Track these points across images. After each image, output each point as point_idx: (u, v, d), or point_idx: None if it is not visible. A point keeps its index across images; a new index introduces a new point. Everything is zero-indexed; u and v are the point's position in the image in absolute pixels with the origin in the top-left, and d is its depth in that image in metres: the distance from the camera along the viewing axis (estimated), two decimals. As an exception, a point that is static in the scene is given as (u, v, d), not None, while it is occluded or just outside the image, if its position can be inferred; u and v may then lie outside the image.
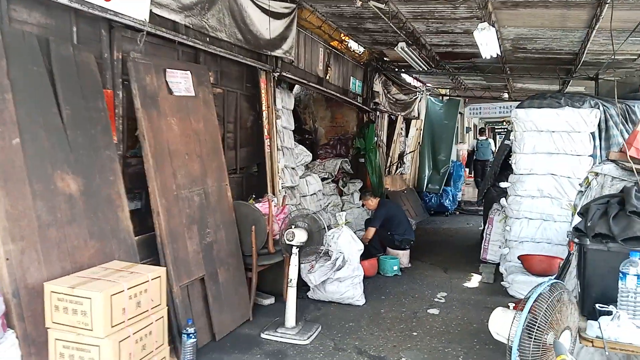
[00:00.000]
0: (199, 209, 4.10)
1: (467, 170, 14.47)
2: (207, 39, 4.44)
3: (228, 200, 4.51)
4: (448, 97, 13.53)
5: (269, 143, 5.56)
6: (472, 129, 18.59)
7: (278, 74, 5.67)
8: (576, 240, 2.48)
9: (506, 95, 13.77)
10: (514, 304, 2.25)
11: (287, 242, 4.25)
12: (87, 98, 3.30)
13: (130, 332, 2.75)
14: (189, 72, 4.22)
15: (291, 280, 4.26)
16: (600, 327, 2.14)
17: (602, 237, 2.38)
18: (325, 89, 7.27)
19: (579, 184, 4.82)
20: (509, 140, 6.41)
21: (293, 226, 4.32)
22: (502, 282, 5.65)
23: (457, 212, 11.75)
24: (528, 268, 5.37)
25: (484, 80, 11.24)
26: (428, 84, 12.27)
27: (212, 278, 4.10)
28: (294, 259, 4.29)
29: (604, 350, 2.52)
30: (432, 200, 11.44)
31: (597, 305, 2.25)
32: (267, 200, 4.91)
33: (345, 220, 5.45)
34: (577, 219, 3.45)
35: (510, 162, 6.13)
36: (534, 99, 5.95)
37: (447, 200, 11.49)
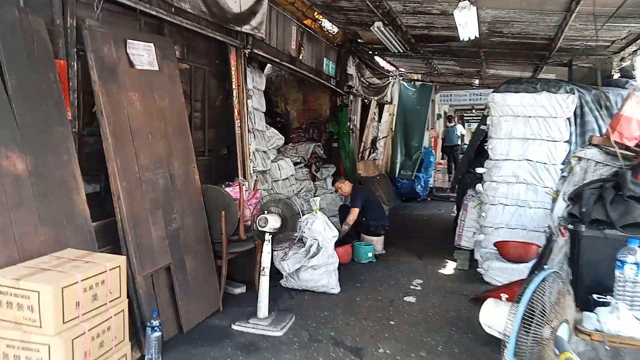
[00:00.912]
0: (164, 192, 3.81)
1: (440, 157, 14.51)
2: (172, 10, 4.10)
3: (196, 183, 4.22)
4: (420, 82, 13.43)
5: (239, 124, 5.25)
6: (443, 115, 18.65)
7: (249, 50, 5.35)
8: (570, 226, 2.33)
9: (477, 82, 13.76)
10: (507, 295, 2.09)
11: (260, 228, 4.01)
12: (36, 69, 2.95)
13: (85, 329, 2.47)
14: (152, 44, 3.88)
15: (264, 268, 4.03)
16: (599, 320, 2.00)
17: (598, 223, 2.24)
18: (298, 69, 6.99)
19: (561, 170, 4.74)
20: (485, 125, 6.31)
21: (266, 211, 4.09)
22: (478, 269, 5.57)
23: (429, 198, 11.73)
24: (504, 254, 5.31)
25: (457, 65, 11.15)
26: (401, 69, 12.11)
27: (179, 266, 3.83)
28: (267, 246, 4.06)
29: (590, 342, 2.41)
30: (405, 187, 11.38)
31: (594, 295, 2.12)
32: (238, 184, 4.66)
33: (320, 205, 5.25)
34: (561, 204, 3.34)
35: (485, 147, 6.03)
36: (510, 84, 5.85)
37: (418, 186, 11.45)
